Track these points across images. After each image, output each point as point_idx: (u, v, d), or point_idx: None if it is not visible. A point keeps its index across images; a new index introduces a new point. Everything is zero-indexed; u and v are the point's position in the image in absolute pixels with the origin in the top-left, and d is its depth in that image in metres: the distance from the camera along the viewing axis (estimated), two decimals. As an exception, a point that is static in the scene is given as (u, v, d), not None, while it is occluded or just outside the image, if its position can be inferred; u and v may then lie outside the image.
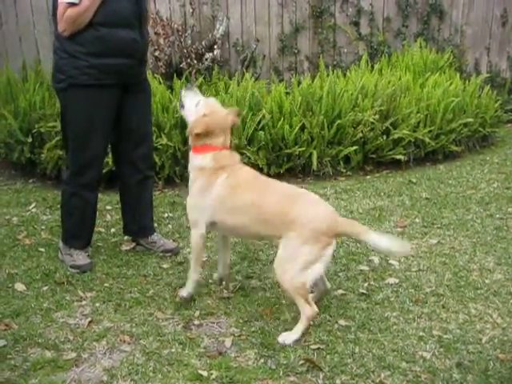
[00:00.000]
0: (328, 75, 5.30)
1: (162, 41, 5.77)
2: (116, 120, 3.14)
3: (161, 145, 4.53)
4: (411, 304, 2.81)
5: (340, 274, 3.12)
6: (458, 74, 5.98)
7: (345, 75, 5.68)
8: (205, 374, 2.28)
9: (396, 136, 4.95)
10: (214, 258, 3.30)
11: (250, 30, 6.51)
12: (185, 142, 4.64)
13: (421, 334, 2.55)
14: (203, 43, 6.00)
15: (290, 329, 2.55)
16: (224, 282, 3.00)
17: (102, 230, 3.77)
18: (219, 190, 2.64)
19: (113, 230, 3.78)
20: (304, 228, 2.44)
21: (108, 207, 4.17)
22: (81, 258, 3.20)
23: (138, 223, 3.43)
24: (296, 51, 6.70)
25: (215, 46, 5.99)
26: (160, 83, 5.11)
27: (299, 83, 5.22)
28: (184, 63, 5.68)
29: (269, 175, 4.78)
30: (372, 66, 6.03)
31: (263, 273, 3.14)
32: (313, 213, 2.51)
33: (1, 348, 2.47)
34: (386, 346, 2.47)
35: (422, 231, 3.68)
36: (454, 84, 5.55)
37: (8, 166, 5.12)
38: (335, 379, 2.26)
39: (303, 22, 6.65)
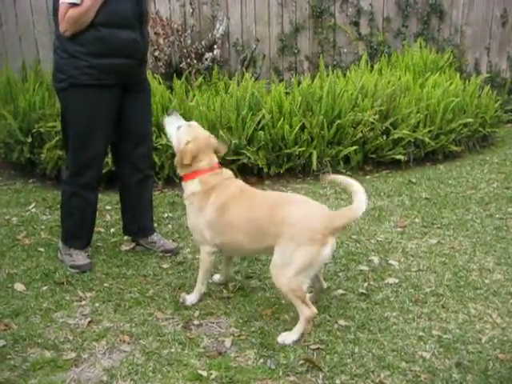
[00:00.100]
0: (328, 75, 5.30)
1: (161, 41, 5.77)
2: (116, 120, 3.14)
3: (160, 145, 4.53)
4: (411, 304, 2.80)
5: (340, 274, 3.12)
6: (457, 74, 5.98)
7: (345, 75, 5.68)
8: (204, 373, 2.28)
9: (396, 136, 4.95)
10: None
11: (250, 30, 6.51)
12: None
13: (420, 333, 2.55)
14: (203, 43, 6.00)
15: (290, 329, 2.55)
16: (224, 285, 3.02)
17: (102, 230, 3.77)
18: (209, 212, 2.67)
19: (112, 230, 3.78)
20: (294, 228, 2.43)
21: (108, 207, 4.17)
22: (80, 258, 3.20)
23: (137, 223, 3.43)
24: (296, 51, 6.71)
25: (215, 46, 5.99)
26: (160, 83, 5.11)
27: (299, 83, 5.22)
28: (184, 63, 5.69)
29: (269, 175, 4.80)
30: (372, 66, 6.04)
31: (263, 273, 3.14)
32: (302, 212, 2.49)
33: (0, 348, 2.47)
34: (385, 345, 2.47)
35: (421, 231, 3.68)
36: (453, 84, 5.55)
37: (8, 166, 5.12)
38: (335, 379, 2.26)
39: (303, 21, 6.65)
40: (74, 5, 2.78)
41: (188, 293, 2.86)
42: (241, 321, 2.68)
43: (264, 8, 6.52)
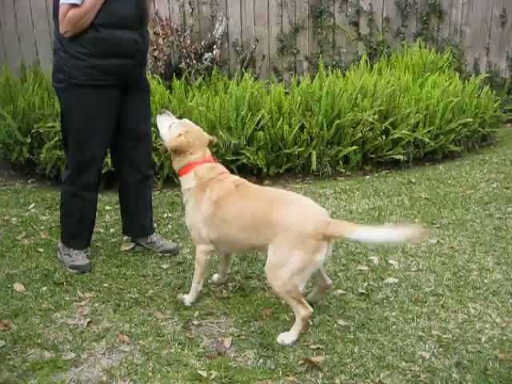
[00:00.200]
0: (327, 75, 5.30)
1: (161, 41, 5.77)
2: (116, 120, 3.14)
3: (160, 145, 4.52)
4: (410, 304, 2.81)
5: (339, 274, 3.12)
6: (457, 74, 5.98)
7: (344, 75, 5.68)
8: (204, 374, 2.28)
9: (395, 136, 4.95)
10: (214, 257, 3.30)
11: (250, 30, 6.51)
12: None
13: (420, 333, 2.55)
14: (202, 43, 6.01)
15: (290, 329, 2.55)
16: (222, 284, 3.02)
17: (102, 230, 3.77)
18: (205, 207, 2.67)
19: (112, 230, 3.78)
20: (289, 231, 2.40)
21: (107, 207, 4.17)
22: (80, 258, 3.20)
23: (137, 223, 3.43)
24: (295, 51, 6.71)
25: (214, 46, 5.99)
26: (159, 83, 5.11)
27: (298, 83, 5.22)
28: (183, 63, 5.69)
29: (268, 175, 4.80)
30: (371, 66, 6.04)
31: (262, 273, 3.13)
32: (298, 215, 2.44)
33: (0, 348, 2.46)
34: (385, 345, 2.47)
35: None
36: (453, 84, 5.55)
37: (7, 166, 5.11)
38: (334, 379, 2.26)
39: (302, 21, 6.65)
40: (74, 5, 2.78)
41: (187, 293, 2.86)
42: (240, 321, 2.68)
43: (263, 8, 6.53)
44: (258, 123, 4.74)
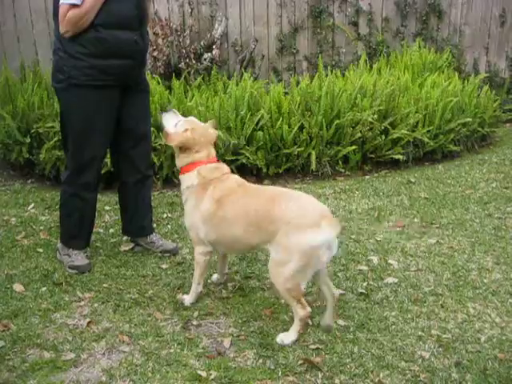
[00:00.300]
0: (327, 75, 5.30)
1: (160, 41, 5.77)
2: (116, 120, 3.14)
3: (159, 145, 4.53)
4: (410, 303, 2.81)
5: (339, 274, 3.12)
6: (456, 74, 5.98)
7: (343, 75, 5.68)
8: (204, 374, 2.28)
9: (395, 136, 4.95)
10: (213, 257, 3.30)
11: (249, 30, 6.51)
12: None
13: (420, 333, 2.55)
14: (202, 43, 6.00)
15: (289, 329, 2.54)
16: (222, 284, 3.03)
17: (101, 230, 3.77)
18: (206, 206, 2.64)
19: (111, 230, 3.78)
20: (290, 226, 2.39)
21: (107, 207, 4.17)
22: (79, 258, 3.20)
23: (136, 223, 3.43)
24: (295, 51, 6.71)
25: (214, 46, 5.99)
26: (159, 83, 5.10)
27: (298, 83, 5.22)
28: (183, 63, 5.68)
29: (268, 175, 4.80)
30: (371, 66, 6.03)
31: (262, 273, 3.14)
32: (299, 210, 2.45)
33: (-1, 349, 2.47)
34: (384, 345, 2.47)
35: (420, 231, 3.68)
36: (452, 84, 5.56)
37: (6, 166, 5.11)
38: (334, 379, 2.26)
39: (302, 21, 6.65)
40: (74, 5, 2.78)
41: (187, 293, 2.86)
42: (240, 321, 2.68)
43: (263, 8, 6.53)
44: (257, 123, 4.74)
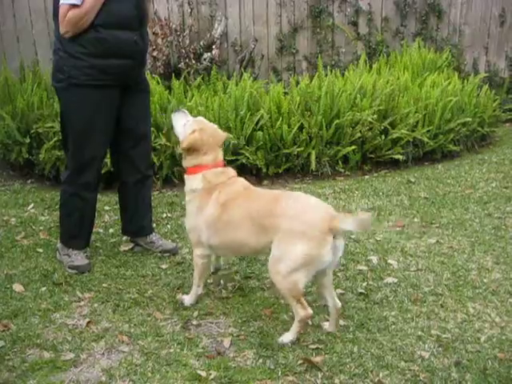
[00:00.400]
0: (326, 75, 5.30)
1: (160, 41, 5.77)
2: (116, 120, 3.14)
3: (159, 145, 4.53)
4: (410, 303, 2.81)
5: (339, 274, 3.11)
6: (456, 74, 5.98)
7: (343, 75, 5.68)
8: (203, 374, 2.28)
9: (394, 136, 4.95)
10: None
11: (249, 30, 6.52)
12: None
13: (419, 333, 2.55)
14: (201, 43, 6.00)
15: (289, 329, 2.54)
16: (222, 281, 3.02)
17: (101, 230, 3.77)
18: (211, 211, 2.62)
19: (111, 230, 3.78)
20: (291, 221, 2.36)
21: (106, 208, 4.17)
22: (79, 258, 3.20)
23: (136, 223, 3.43)
24: (294, 51, 6.71)
25: (213, 46, 5.99)
26: (158, 83, 5.11)
27: (297, 83, 5.22)
28: (182, 63, 5.68)
29: (267, 175, 4.80)
30: (370, 66, 6.03)
31: (262, 273, 3.14)
32: (301, 206, 2.43)
33: (-1, 349, 2.47)
34: (384, 345, 2.47)
35: (420, 231, 3.68)
36: (452, 83, 5.56)
37: (6, 166, 5.12)
38: (334, 379, 2.26)
39: (301, 21, 6.66)
40: (74, 6, 2.78)
41: (187, 293, 2.86)
42: (240, 321, 2.67)
43: (262, 8, 6.53)
44: (257, 123, 4.74)
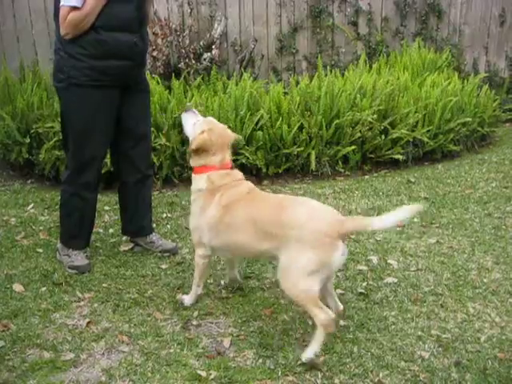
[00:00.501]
0: (326, 75, 5.30)
1: (160, 41, 5.77)
2: (116, 120, 3.14)
3: (159, 145, 4.53)
4: (410, 303, 2.81)
5: (339, 274, 3.11)
6: (456, 74, 5.98)
7: (343, 75, 5.68)
8: (203, 374, 2.28)
9: (394, 135, 4.95)
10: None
11: (248, 30, 6.52)
12: (183, 142, 4.65)
13: (419, 333, 2.55)
14: (201, 43, 6.00)
15: (289, 329, 2.55)
16: (223, 282, 3.02)
17: (101, 230, 3.77)
18: (212, 212, 2.59)
19: (111, 230, 3.78)
20: (300, 230, 2.31)
21: (106, 208, 4.17)
22: (79, 258, 3.20)
23: (136, 223, 3.43)
24: (294, 51, 6.71)
25: (213, 46, 5.99)
26: (158, 83, 5.10)
27: (297, 83, 5.22)
28: (182, 63, 5.68)
29: (267, 175, 4.80)
30: (370, 66, 6.03)
31: (261, 273, 3.14)
32: (309, 214, 2.37)
33: (-1, 349, 2.47)
34: (384, 345, 2.47)
35: (420, 231, 3.68)
36: (452, 83, 5.56)
37: (6, 166, 5.11)
38: (334, 379, 2.26)
39: (301, 21, 6.66)
40: (74, 8, 2.79)
41: (187, 293, 2.86)
42: (240, 321, 2.67)
43: (262, 8, 6.53)
44: (256, 123, 4.74)
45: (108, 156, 3.57)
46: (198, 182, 2.69)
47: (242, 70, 5.99)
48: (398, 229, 3.71)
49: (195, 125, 2.73)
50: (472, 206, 4.07)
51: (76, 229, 3.23)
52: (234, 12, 6.45)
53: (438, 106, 5.16)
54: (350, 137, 4.85)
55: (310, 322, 2.60)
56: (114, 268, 3.22)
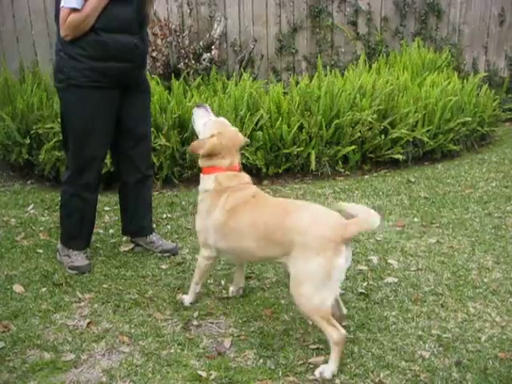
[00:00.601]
0: (326, 75, 5.30)
1: (159, 41, 5.77)
2: (116, 120, 3.14)
3: (159, 145, 4.53)
4: (410, 303, 2.80)
5: (339, 274, 3.11)
6: (455, 73, 5.98)
7: (343, 75, 5.68)
8: (204, 374, 2.28)
9: (394, 135, 4.95)
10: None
11: (248, 30, 6.52)
12: (183, 142, 4.65)
13: (420, 333, 2.55)
14: (201, 43, 6.00)
15: (289, 329, 2.55)
16: (223, 282, 3.01)
17: (101, 231, 3.77)
18: (217, 216, 2.57)
19: (111, 231, 3.78)
20: (304, 236, 2.27)
21: (106, 208, 4.17)
22: (79, 259, 3.20)
23: (136, 223, 3.43)
24: (294, 51, 6.71)
25: (213, 47, 5.99)
26: (158, 84, 5.10)
27: (297, 83, 5.22)
28: (182, 63, 5.68)
29: (267, 175, 4.79)
30: (370, 66, 6.03)
31: (262, 273, 3.14)
32: (312, 219, 2.33)
33: (-1, 350, 2.47)
34: (385, 345, 2.47)
35: (420, 230, 3.68)
36: (451, 83, 5.56)
37: (6, 167, 5.11)
38: (334, 379, 2.26)
39: (301, 21, 6.66)
40: (74, 10, 2.79)
41: (187, 293, 2.86)
42: (240, 321, 2.67)
43: (262, 8, 6.53)
44: (256, 123, 4.74)
45: (108, 156, 3.57)
46: (206, 182, 2.67)
47: (242, 70, 5.99)
48: (398, 229, 3.72)
49: (206, 125, 2.70)
50: (472, 206, 4.07)
51: (76, 229, 3.23)
52: (234, 12, 6.45)
53: (438, 106, 5.16)
54: (349, 137, 4.85)
55: (311, 322, 2.61)
56: (115, 268, 3.22)
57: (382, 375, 2.28)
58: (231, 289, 2.91)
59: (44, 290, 2.98)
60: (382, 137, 4.93)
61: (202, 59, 5.84)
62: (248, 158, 4.65)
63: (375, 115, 4.89)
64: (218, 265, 3.23)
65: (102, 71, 2.94)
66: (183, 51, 5.76)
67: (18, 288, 2.99)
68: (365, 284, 3.00)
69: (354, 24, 6.76)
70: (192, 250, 3.43)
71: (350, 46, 6.82)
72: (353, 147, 4.84)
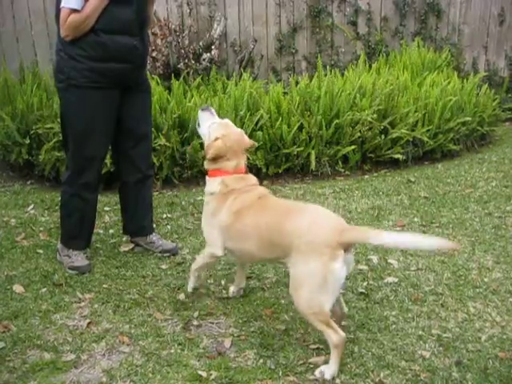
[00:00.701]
0: (326, 75, 5.30)
1: (159, 41, 5.77)
2: (116, 120, 3.14)
3: (159, 145, 4.53)
4: (410, 303, 2.80)
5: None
6: (455, 73, 5.98)
7: (343, 75, 5.68)
8: (204, 374, 2.28)
9: (394, 135, 4.95)
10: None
11: (248, 30, 6.52)
12: (183, 142, 4.65)
13: (420, 332, 2.55)
14: (201, 43, 6.00)
15: (289, 329, 2.54)
16: (223, 282, 3.01)
17: (101, 231, 3.77)
18: (223, 217, 2.57)
19: (111, 231, 3.78)
20: (302, 240, 2.26)
21: (106, 208, 4.17)
22: (79, 259, 3.20)
23: (137, 223, 3.43)
24: (294, 51, 6.71)
25: (213, 47, 5.99)
26: (158, 84, 5.10)
27: (297, 83, 5.22)
28: (182, 63, 5.68)
29: (267, 175, 4.79)
30: (370, 66, 6.03)
31: (262, 273, 3.14)
32: (310, 222, 2.31)
33: (0, 350, 2.47)
34: (385, 345, 2.47)
35: (420, 230, 3.68)
36: (451, 83, 5.56)
37: (6, 167, 5.11)
38: (334, 379, 2.26)
39: (301, 21, 6.66)
40: (75, 10, 2.79)
41: (187, 293, 2.87)
42: (240, 321, 2.67)
43: (261, 8, 6.53)
44: (256, 123, 4.74)
45: (108, 156, 3.57)
46: (212, 185, 2.67)
47: (242, 70, 5.99)
48: (398, 228, 3.72)
49: (210, 127, 2.69)
50: (472, 206, 4.07)
51: (76, 229, 3.23)
52: (234, 12, 6.45)
53: (438, 106, 5.16)
54: (349, 136, 4.85)
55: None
56: (115, 269, 3.22)
57: (382, 375, 2.28)
58: (232, 289, 2.91)
59: (44, 290, 2.98)
60: (382, 137, 4.93)
61: (201, 59, 5.84)
62: (248, 158, 4.62)
63: (375, 115, 4.89)
64: (218, 265, 3.23)
65: (102, 72, 2.95)
66: (183, 51, 5.76)
67: (18, 288, 2.99)
68: (365, 284, 3.00)
69: (354, 24, 6.76)
70: (192, 250, 3.43)
71: (350, 46, 6.82)
72: (353, 147, 4.84)
